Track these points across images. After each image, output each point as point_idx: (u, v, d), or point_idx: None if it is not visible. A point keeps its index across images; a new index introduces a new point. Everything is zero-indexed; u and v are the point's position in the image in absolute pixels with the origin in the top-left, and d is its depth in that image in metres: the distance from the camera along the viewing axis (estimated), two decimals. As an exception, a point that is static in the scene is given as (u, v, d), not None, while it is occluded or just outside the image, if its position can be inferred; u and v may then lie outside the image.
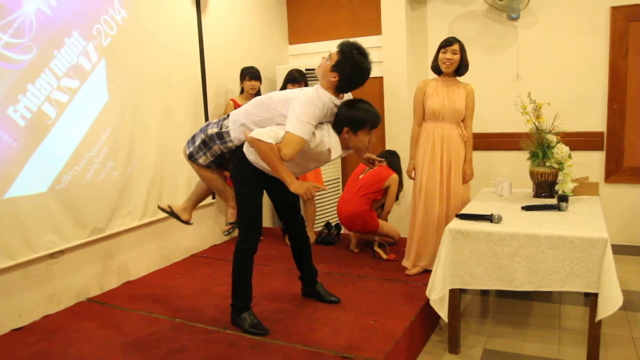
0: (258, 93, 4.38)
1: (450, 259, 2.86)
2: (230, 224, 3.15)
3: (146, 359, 2.54)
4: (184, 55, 4.08)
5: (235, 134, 2.80)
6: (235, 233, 2.94)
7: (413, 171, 3.67)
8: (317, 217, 4.73)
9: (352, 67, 2.63)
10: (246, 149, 2.78)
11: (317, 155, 2.76)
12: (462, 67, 3.50)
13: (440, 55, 3.48)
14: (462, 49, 3.47)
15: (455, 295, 2.90)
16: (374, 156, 3.09)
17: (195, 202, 3.21)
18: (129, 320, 3.01)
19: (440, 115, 3.50)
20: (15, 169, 2.91)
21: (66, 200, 3.18)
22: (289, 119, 2.59)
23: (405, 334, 2.73)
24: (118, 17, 3.47)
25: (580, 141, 4.40)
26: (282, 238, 4.62)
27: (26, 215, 2.97)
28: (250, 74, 4.31)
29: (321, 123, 2.71)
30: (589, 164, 4.40)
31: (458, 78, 3.57)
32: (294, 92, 2.76)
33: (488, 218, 2.89)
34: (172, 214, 3.19)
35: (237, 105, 4.28)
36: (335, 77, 2.66)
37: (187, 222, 3.20)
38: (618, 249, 4.42)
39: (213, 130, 2.87)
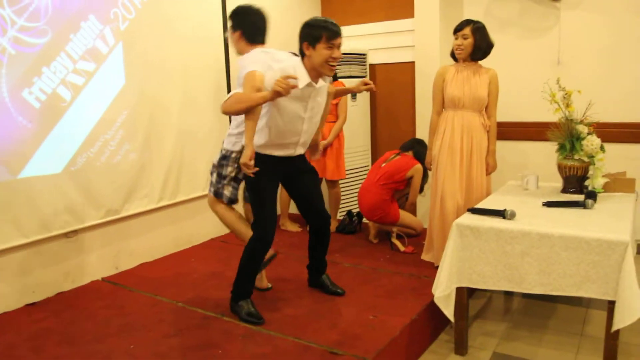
0: None
1: (458, 256, 2.71)
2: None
3: (138, 340, 2.57)
4: (206, 39, 4.06)
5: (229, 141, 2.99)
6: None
7: (431, 162, 3.51)
8: (340, 205, 4.63)
9: (242, 15, 2.92)
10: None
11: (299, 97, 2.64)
12: (475, 52, 3.28)
13: (453, 41, 3.28)
14: (476, 31, 3.24)
15: (463, 294, 2.75)
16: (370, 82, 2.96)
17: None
18: (134, 301, 3.06)
19: (461, 103, 3.31)
20: (30, 149, 3.00)
21: (81, 181, 3.25)
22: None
23: (404, 332, 2.61)
24: (137, 0, 3.48)
25: (624, 133, 4.05)
26: (305, 224, 4.58)
27: (40, 195, 3.06)
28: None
29: None
30: (634, 158, 4.04)
31: (481, 63, 3.35)
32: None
33: (500, 214, 2.71)
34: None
35: None
36: (237, 33, 2.90)
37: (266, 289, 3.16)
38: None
39: (216, 159, 3.04)
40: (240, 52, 2.94)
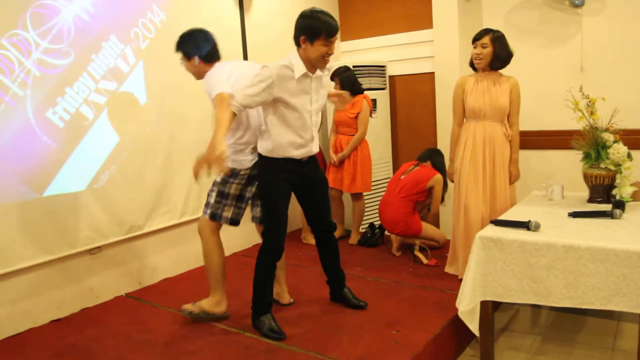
0: None
1: (482, 269, 2.65)
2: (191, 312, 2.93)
3: (159, 357, 2.57)
4: (226, 54, 4.07)
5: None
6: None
7: (453, 174, 3.46)
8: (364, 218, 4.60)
9: (192, 41, 2.87)
10: (259, 146, 2.77)
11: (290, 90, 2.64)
12: (494, 61, 3.24)
13: (472, 50, 3.25)
14: (495, 40, 3.21)
15: (487, 308, 2.68)
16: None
17: (222, 283, 2.95)
18: (157, 317, 3.07)
19: (482, 113, 3.27)
20: (54, 168, 3.06)
21: (104, 198, 3.30)
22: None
23: (427, 347, 2.56)
24: (157, 19, 3.55)
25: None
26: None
27: (64, 212, 3.11)
28: None
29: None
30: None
31: (502, 71, 3.30)
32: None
33: (525, 225, 2.65)
34: (205, 316, 2.92)
35: None
36: (194, 59, 2.86)
37: (223, 315, 2.96)
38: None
39: (219, 175, 2.88)
40: (202, 76, 2.86)
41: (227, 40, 4.10)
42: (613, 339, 2.98)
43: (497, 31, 3.27)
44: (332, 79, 3.45)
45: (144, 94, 3.49)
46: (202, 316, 2.91)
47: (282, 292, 3.17)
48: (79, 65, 3.13)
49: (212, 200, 2.91)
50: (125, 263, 3.49)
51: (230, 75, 2.77)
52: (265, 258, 2.81)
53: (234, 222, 2.97)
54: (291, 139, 2.71)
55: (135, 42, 3.42)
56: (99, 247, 3.31)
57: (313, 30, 2.55)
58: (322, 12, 2.60)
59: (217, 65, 2.87)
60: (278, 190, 2.77)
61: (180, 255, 3.84)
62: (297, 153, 2.75)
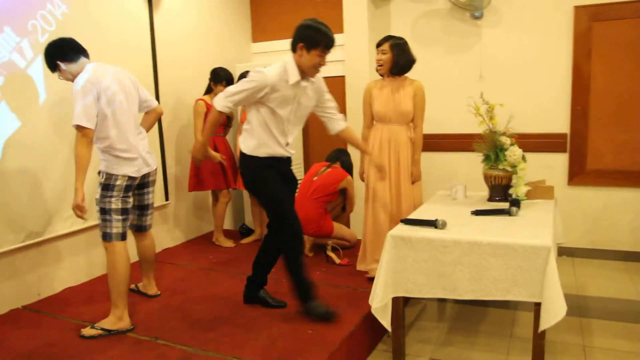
0: None
1: (393, 266, 2.75)
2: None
3: (65, 372, 2.42)
4: (133, 51, 3.93)
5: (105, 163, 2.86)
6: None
7: (363, 174, 3.57)
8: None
9: (58, 48, 2.80)
10: (241, 144, 2.87)
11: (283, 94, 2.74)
12: (393, 67, 3.37)
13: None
14: (395, 47, 3.35)
15: (399, 304, 2.79)
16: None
17: (124, 297, 2.84)
18: (59, 329, 2.87)
19: (387, 117, 3.41)
20: (-62, 170, 2.77)
21: (-3, 203, 3.04)
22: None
23: (342, 344, 2.62)
24: (57, 12, 3.33)
25: (543, 143, 4.31)
26: (239, 239, 4.52)
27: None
28: (226, 80, 4.16)
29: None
30: (553, 166, 4.32)
31: (407, 75, 3.45)
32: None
33: (432, 224, 2.79)
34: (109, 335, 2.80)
35: (208, 106, 4.14)
36: (64, 64, 2.78)
37: (129, 329, 2.83)
38: (581, 253, 4.36)
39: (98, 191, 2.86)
40: (74, 78, 2.75)
41: (135, 34, 3.95)
42: (511, 328, 3.22)
43: (399, 38, 3.40)
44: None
45: (43, 90, 3.25)
46: (103, 335, 2.76)
47: (149, 284, 3.30)
48: (-32, 57, 2.86)
49: (99, 219, 2.89)
50: (22, 273, 3.23)
51: (98, 96, 2.71)
52: (290, 246, 2.87)
53: (123, 236, 2.87)
54: (269, 142, 2.81)
55: (34, 35, 3.19)
56: (-9, 256, 3.04)
57: (313, 40, 2.64)
58: (323, 24, 2.70)
59: (90, 70, 2.76)
60: (272, 179, 2.83)
61: (84, 263, 3.62)
62: (275, 152, 2.84)
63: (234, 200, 5.12)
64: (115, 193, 2.80)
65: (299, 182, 3.79)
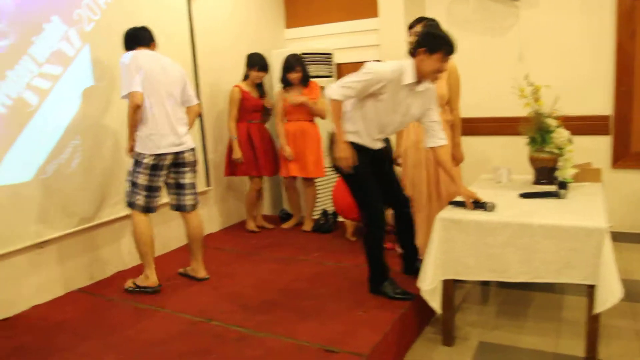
0: (260, 84, 4.30)
1: (442, 249, 2.76)
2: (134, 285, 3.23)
3: (125, 350, 2.49)
4: (173, 39, 3.97)
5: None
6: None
7: (399, 158, 3.57)
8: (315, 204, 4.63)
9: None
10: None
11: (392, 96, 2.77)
12: None
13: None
14: (428, 29, 3.27)
15: (449, 286, 2.80)
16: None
17: (147, 259, 3.21)
18: (115, 311, 2.96)
19: None
20: (-3, 157, 2.86)
21: (52, 189, 3.13)
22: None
23: (394, 327, 2.65)
24: (101, 1, 3.38)
25: (585, 125, 4.24)
26: (278, 224, 4.56)
27: (10, 204, 2.92)
28: (260, 65, 4.21)
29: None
30: (595, 149, 4.25)
31: None
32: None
33: (482, 206, 2.78)
34: (137, 290, 3.22)
35: (243, 92, 4.19)
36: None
37: (154, 288, 3.20)
38: (624, 237, 4.30)
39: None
40: None
41: (174, 24, 4.00)
42: (559, 311, 3.19)
43: (431, 19, 3.36)
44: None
45: (91, 79, 3.32)
46: (135, 290, 3.18)
47: (198, 267, 3.38)
48: (20, 47, 2.93)
49: (127, 189, 3.16)
50: (76, 257, 3.33)
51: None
52: (372, 234, 2.97)
53: (148, 209, 3.15)
54: (367, 132, 2.87)
55: (80, 24, 3.24)
56: (46, 241, 3.13)
57: (435, 45, 2.68)
58: (445, 32, 2.75)
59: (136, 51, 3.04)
60: (362, 168, 2.88)
61: (132, 248, 3.69)
62: (367, 144, 2.90)
63: (273, 186, 5.16)
64: (142, 170, 3.03)
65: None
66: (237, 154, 4.21)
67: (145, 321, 2.81)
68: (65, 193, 3.20)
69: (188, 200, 3.24)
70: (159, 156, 3.03)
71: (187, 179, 3.20)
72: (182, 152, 3.11)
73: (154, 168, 3.04)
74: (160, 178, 3.10)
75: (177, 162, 3.14)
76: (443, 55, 2.70)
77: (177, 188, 3.21)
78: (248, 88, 4.26)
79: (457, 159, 3.50)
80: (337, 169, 3.00)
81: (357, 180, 2.92)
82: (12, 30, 2.88)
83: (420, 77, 2.77)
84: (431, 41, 2.70)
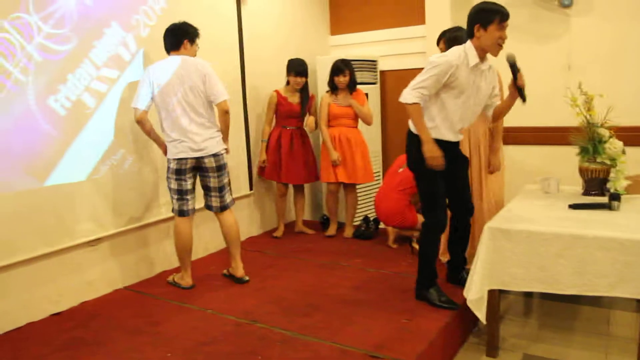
0: (305, 88, 4.31)
1: (490, 259, 2.72)
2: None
3: (173, 349, 2.54)
4: (223, 45, 4.07)
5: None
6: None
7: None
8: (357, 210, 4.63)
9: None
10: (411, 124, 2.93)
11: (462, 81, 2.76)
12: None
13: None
14: (449, 41, 3.25)
15: (494, 296, 2.76)
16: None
17: (184, 262, 3.35)
18: (161, 309, 3.03)
19: None
20: (56, 157, 2.97)
21: (104, 189, 3.23)
22: None
23: (439, 335, 2.62)
24: (157, 7, 3.49)
25: (637, 136, 4.11)
26: (320, 230, 4.58)
27: (65, 203, 3.03)
28: (295, 70, 4.22)
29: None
30: (646, 161, 4.12)
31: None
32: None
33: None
34: (174, 284, 3.40)
35: (280, 97, 4.25)
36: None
37: (187, 287, 3.35)
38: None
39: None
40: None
41: (224, 30, 4.08)
42: (607, 326, 3.11)
43: (455, 28, 3.36)
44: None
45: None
46: (172, 284, 3.38)
47: (236, 267, 3.42)
48: (81, 51, 3.05)
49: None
50: (124, 255, 3.42)
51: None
52: (429, 234, 2.96)
53: (181, 212, 3.25)
54: (445, 124, 2.85)
55: (137, 29, 3.35)
56: (99, 239, 3.23)
57: (487, 16, 2.69)
58: (493, 2, 2.75)
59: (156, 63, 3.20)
60: (438, 173, 2.86)
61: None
62: (449, 137, 2.89)
63: (314, 192, 5.20)
64: (170, 175, 3.17)
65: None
66: (261, 157, 4.31)
67: (191, 321, 2.86)
68: (116, 193, 3.30)
69: (214, 201, 3.31)
70: (180, 161, 3.13)
71: (211, 182, 3.25)
72: (202, 158, 3.16)
73: (179, 172, 3.15)
74: (188, 182, 3.18)
75: (200, 167, 3.21)
76: (499, 23, 2.69)
77: (206, 190, 3.31)
78: (287, 93, 4.29)
79: (493, 164, 3.45)
80: (409, 165, 3.02)
81: (430, 181, 2.90)
82: (75, 35, 3.00)
83: (483, 54, 2.78)
84: (482, 16, 2.70)
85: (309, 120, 4.39)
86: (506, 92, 3.00)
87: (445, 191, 2.98)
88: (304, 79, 4.26)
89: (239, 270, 3.43)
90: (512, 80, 2.83)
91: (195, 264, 3.59)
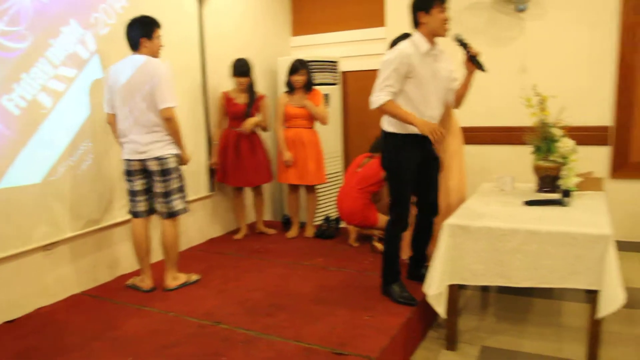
0: (250, 88, 4.21)
1: (450, 255, 2.79)
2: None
3: (136, 352, 2.50)
4: (184, 45, 4.03)
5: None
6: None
7: None
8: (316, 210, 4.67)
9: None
10: (384, 121, 2.97)
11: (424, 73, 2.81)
12: None
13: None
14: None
15: (454, 292, 2.84)
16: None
17: (143, 264, 3.35)
18: (120, 313, 2.97)
19: None
20: (8, 159, 2.87)
21: (61, 191, 3.15)
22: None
23: (401, 330, 2.68)
24: (117, 5, 3.42)
25: (585, 135, 4.29)
26: (282, 230, 4.58)
27: (19, 206, 2.93)
28: (237, 70, 4.14)
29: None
30: (594, 159, 4.31)
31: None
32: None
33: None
34: (133, 287, 3.37)
35: (226, 98, 4.21)
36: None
37: (148, 290, 3.31)
38: (624, 246, 4.34)
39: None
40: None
41: (184, 27, 4.04)
42: (558, 317, 3.24)
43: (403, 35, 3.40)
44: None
45: (103, 83, 3.35)
46: (132, 287, 3.36)
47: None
48: (37, 49, 2.96)
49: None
50: (81, 259, 3.34)
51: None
52: (392, 231, 3.02)
53: (135, 214, 3.27)
54: (418, 111, 2.85)
55: (96, 27, 3.28)
56: (54, 243, 3.14)
57: (428, 1, 2.77)
58: None
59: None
60: (405, 163, 2.92)
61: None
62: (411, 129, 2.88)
63: (275, 192, 5.20)
64: (124, 175, 3.20)
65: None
66: (212, 159, 4.27)
67: (152, 324, 2.82)
68: (74, 195, 3.22)
69: (160, 207, 3.22)
70: (127, 162, 3.14)
71: (157, 187, 3.16)
72: (145, 160, 3.10)
73: (128, 174, 3.17)
74: (136, 183, 3.16)
75: (146, 170, 3.15)
76: (440, 5, 2.77)
77: (153, 194, 3.22)
78: (234, 94, 4.22)
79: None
80: (383, 165, 3.03)
81: (399, 177, 2.96)
82: (31, 33, 2.92)
83: (432, 39, 2.84)
84: (423, 2, 2.79)
85: (247, 121, 4.19)
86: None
87: (412, 190, 3.04)
88: (247, 79, 4.16)
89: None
90: (466, 54, 2.91)
91: (155, 266, 3.53)
